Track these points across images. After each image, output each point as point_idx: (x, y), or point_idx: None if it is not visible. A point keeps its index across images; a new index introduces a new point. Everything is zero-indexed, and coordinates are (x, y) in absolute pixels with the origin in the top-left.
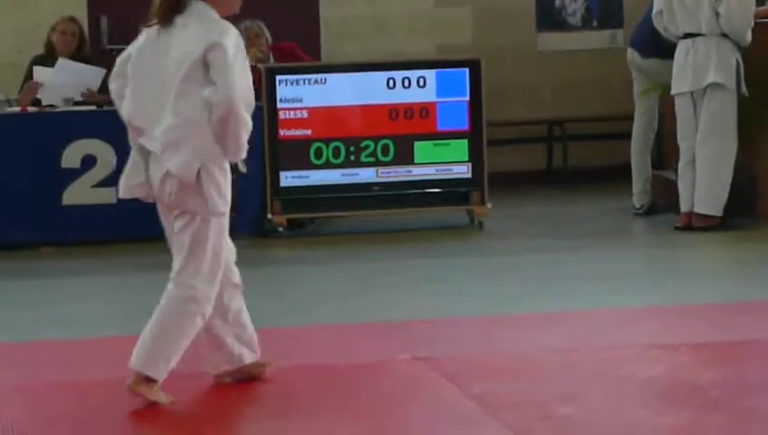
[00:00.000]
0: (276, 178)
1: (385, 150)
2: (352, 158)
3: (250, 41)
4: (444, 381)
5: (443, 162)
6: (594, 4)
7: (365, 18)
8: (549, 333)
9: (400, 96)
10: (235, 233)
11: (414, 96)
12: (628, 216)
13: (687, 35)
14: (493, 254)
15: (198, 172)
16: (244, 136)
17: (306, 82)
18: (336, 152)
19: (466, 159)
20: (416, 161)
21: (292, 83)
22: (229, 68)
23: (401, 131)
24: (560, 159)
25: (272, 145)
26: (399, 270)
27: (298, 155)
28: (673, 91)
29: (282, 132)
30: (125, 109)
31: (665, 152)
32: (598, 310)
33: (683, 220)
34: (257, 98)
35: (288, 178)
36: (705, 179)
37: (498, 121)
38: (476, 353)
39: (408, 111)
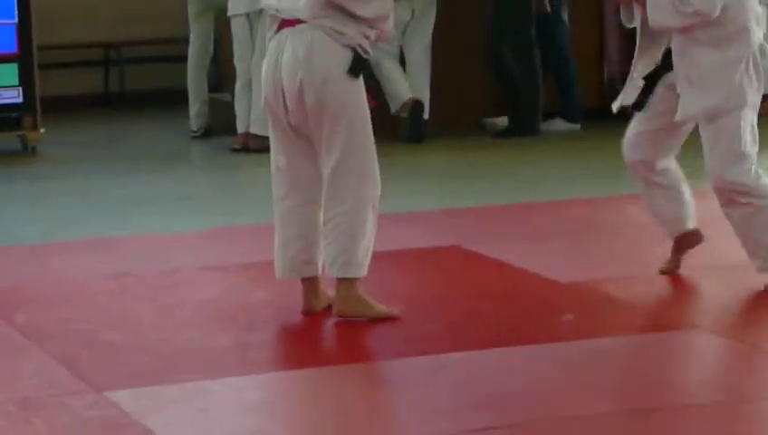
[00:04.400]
0: None
1: None
2: None
3: None
4: None
5: None
6: None
7: None
8: (101, 258)
9: None
10: None
11: None
12: (186, 139)
13: None
14: (46, 179)
15: None
16: None
17: None
18: None
19: (17, 83)
20: None
21: None
22: None
23: None
24: (117, 82)
25: None
26: None
27: None
28: (229, 13)
29: None
30: None
31: (222, 75)
32: (153, 234)
33: (240, 142)
34: None
35: None
36: (259, 100)
37: (52, 45)
38: (24, 282)
39: None
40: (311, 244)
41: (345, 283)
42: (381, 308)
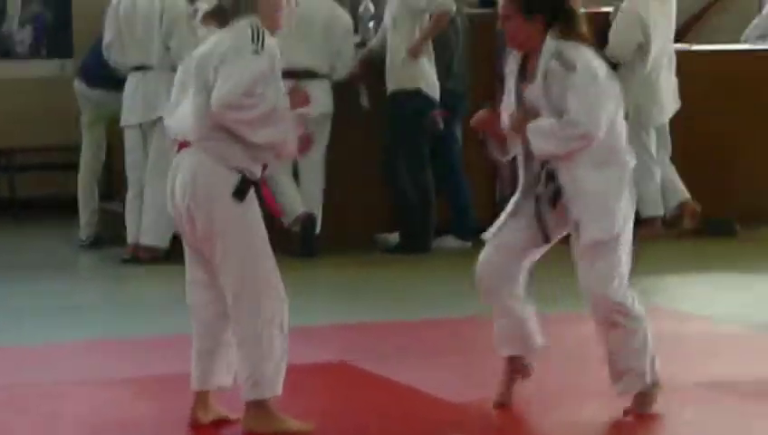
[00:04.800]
0: None
1: None
2: None
3: None
4: None
5: None
6: (42, 33)
7: None
8: None
9: None
10: None
11: None
12: (75, 248)
13: (137, 68)
14: None
15: None
16: None
17: None
18: None
19: None
20: None
21: None
22: None
23: None
24: (6, 189)
25: None
26: None
27: None
28: (122, 123)
29: None
30: None
31: (113, 184)
32: (36, 345)
33: (129, 252)
34: None
35: None
36: (150, 211)
37: None
38: None
39: None
40: (222, 357)
41: (255, 401)
42: (293, 424)
